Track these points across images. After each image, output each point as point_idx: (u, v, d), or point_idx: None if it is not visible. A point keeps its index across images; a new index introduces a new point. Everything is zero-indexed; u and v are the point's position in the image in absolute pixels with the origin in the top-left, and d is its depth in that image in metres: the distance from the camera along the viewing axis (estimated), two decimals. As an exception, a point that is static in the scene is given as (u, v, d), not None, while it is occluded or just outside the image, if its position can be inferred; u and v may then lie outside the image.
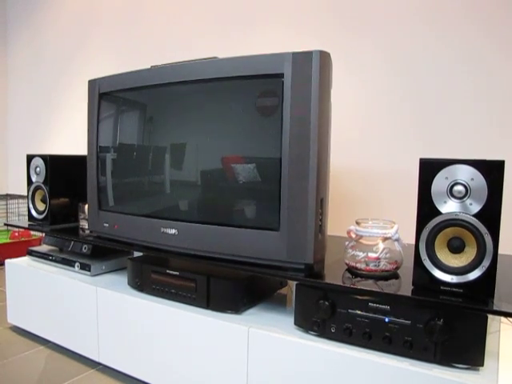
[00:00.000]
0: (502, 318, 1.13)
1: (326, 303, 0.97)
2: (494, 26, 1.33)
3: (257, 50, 1.17)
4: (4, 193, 3.11)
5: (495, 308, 0.81)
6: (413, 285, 0.92)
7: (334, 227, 1.51)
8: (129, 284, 1.37)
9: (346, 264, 1.06)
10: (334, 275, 1.03)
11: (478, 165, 0.85)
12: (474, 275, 0.85)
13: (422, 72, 1.46)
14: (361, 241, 1.04)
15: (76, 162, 1.77)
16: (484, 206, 0.84)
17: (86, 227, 1.52)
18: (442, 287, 0.88)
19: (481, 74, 1.36)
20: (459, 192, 0.86)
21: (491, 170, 0.84)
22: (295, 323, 1.04)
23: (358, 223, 1.07)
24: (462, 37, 1.38)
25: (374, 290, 0.92)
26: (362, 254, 1.02)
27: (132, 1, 2.30)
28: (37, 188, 1.72)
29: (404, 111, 1.50)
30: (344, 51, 1.60)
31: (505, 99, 1.33)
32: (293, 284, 1.10)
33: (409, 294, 0.89)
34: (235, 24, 1.89)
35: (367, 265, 1.01)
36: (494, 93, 1.35)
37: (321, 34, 1.65)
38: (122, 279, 1.47)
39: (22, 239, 2.67)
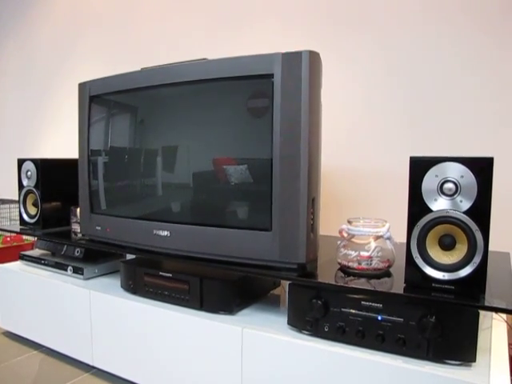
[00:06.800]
0: (494, 315, 1.14)
1: (319, 302, 0.97)
2: (492, 26, 1.34)
3: (246, 51, 1.17)
4: (-5, 197, 3.08)
5: (487, 304, 0.81)
6: (405, 283, 0.92)
7: (326, 227, 1.51)
8: (122, 287, 1.36)
9: (339, 263, 1.06)
10: (326, 274, 1.03)
11: (468, 162, 0.86)
12: (465, 272, 0.86)
13: (413, 71, 1.46)
14: (353, 240, 1.05)
15: (67, 165, 1.76)
16: (474, 203, 0.85)
17: (79, 231, 1.51)
18: (433, 284, 0.88)
19: (472, 74, 1.37)
20: (449, 189, 0.87)
21: (481, 167, 0.85)
22: (288, 323, 1.04)
23: (349, 222, 1.07)
24: (457, 37, 1.39)
25: (366, 288, 0.93)
26: (354, 253, 1.02)
27: (122, 4, 2.30)
28: (28, 192, 1.71)
29: (394, 110, 1.51)
30: (335, 50, 1.61)
31: (494, 98, 1.34)
32: (286, 284, 1.10)
33: (401, 291, 0.89)
34: (225, 25, 1.89)
35: (359, 263, 1.01)
36: (482, 92, 1.36)
37: (311, 32, 1.66)
38: (115, 282, 1.46)
39: (14, 244, 2.64)
